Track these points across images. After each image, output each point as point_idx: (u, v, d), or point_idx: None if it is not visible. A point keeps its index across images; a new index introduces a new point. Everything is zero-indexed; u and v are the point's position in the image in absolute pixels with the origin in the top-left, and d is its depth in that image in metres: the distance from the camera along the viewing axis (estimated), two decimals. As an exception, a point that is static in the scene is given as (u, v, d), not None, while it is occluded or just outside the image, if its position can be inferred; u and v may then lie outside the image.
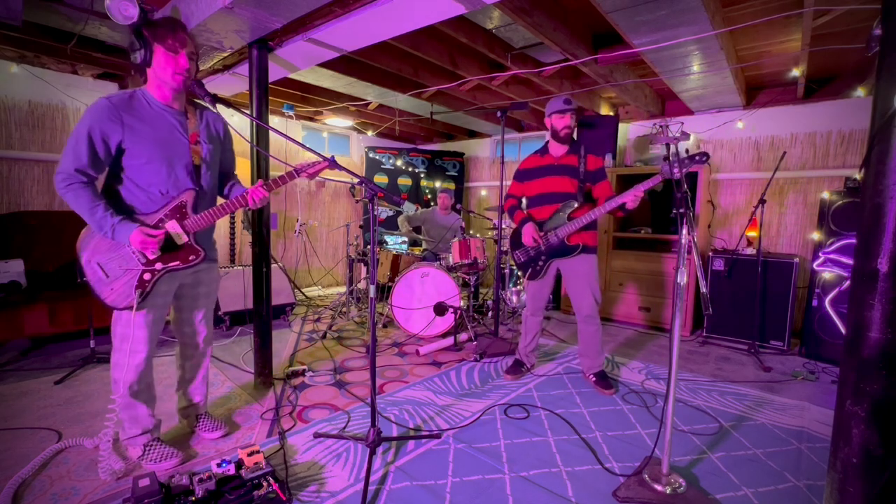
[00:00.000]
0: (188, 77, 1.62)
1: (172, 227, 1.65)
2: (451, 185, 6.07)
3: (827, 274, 3.17)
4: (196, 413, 2.01)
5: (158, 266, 1.65)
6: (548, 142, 2.69)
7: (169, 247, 1.67)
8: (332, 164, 1.74)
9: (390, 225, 5.84)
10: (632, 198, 2.28)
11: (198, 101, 1.81)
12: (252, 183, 2.52)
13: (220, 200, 1.83)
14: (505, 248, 3.99)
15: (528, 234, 2.58)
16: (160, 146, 1.63)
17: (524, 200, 2.80)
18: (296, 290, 4.64)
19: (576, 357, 3.21)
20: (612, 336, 3.75)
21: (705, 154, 1.97)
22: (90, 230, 1.62)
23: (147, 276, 1.64)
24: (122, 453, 1.80)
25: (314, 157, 1.74)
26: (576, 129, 2.52)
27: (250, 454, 1.54)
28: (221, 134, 1.87)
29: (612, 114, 4.75)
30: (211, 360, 2.05)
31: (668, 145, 1.95)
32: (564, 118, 2.54)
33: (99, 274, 1.61)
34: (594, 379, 2.66)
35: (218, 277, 1.99)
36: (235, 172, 2.01)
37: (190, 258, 1.71)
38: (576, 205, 2.52)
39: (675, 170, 1.91)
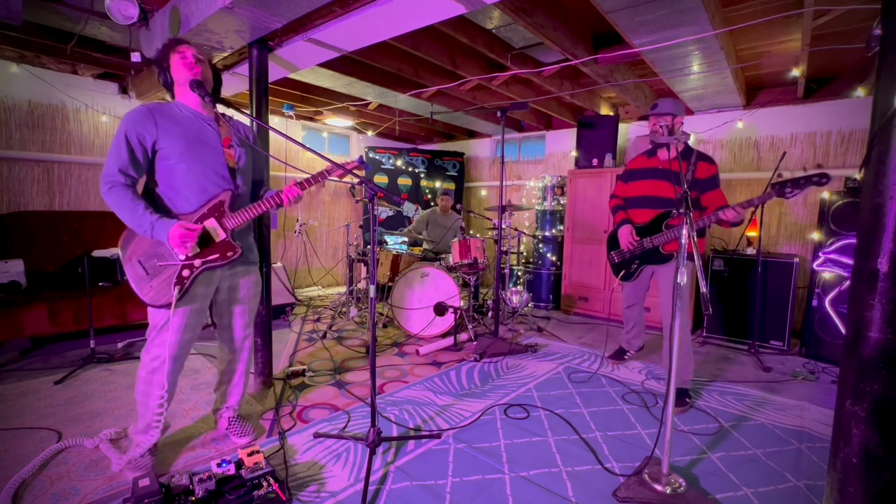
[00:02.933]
0: (202, 73, 1.69)
1: (210, 223, 1.69)
2: (452, 186, 6.07)
3: (827, 274, 3.17)
4: (228, 416, 2.01)
5: (197, 262, 1.67)
6: (657, 145, 2.58)
7: (207, 244, 1.69)
8: (361, 163, 1.86)
9: (390, 225, 5.84)
10: (732, 214, 2.12)
11: (222, 112, 1.84)
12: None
13: None
14: (505, 249, 3.99)
15: (624, 236, 2.54)
16: (193, 145, 1.67)
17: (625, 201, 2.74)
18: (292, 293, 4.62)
19: (576, 357, 3.21)
20: (612, 336, 3.74)
21: (825, 175, 1.85)
22: (130, 230, 1.65)
23: (186, 273, 1.65)
24: (123, 449, 1.79)
25: (314, 157, 1.77)
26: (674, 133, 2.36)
27: (250, 454, 1.54)
28: (251, 140, 1.89)
29: (612, 114, 4.75)
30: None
31: (668, 145, 1.95)
32: (650, 121, 2.43)
33: (139, 271, 1.63)
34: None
35: (258, 282, 1.95)
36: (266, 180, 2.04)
37: (228, 254, 1.73)
38: (674, 213, 2.41)
39: (788, 190, 1.93)
